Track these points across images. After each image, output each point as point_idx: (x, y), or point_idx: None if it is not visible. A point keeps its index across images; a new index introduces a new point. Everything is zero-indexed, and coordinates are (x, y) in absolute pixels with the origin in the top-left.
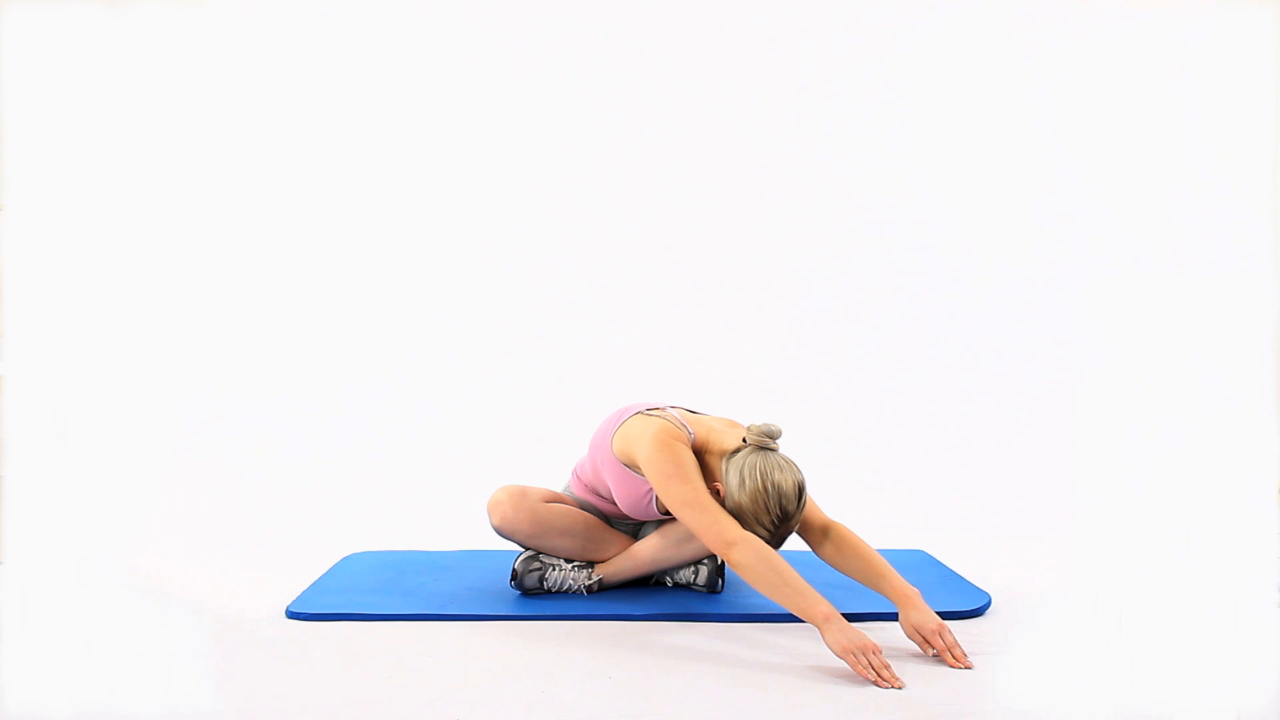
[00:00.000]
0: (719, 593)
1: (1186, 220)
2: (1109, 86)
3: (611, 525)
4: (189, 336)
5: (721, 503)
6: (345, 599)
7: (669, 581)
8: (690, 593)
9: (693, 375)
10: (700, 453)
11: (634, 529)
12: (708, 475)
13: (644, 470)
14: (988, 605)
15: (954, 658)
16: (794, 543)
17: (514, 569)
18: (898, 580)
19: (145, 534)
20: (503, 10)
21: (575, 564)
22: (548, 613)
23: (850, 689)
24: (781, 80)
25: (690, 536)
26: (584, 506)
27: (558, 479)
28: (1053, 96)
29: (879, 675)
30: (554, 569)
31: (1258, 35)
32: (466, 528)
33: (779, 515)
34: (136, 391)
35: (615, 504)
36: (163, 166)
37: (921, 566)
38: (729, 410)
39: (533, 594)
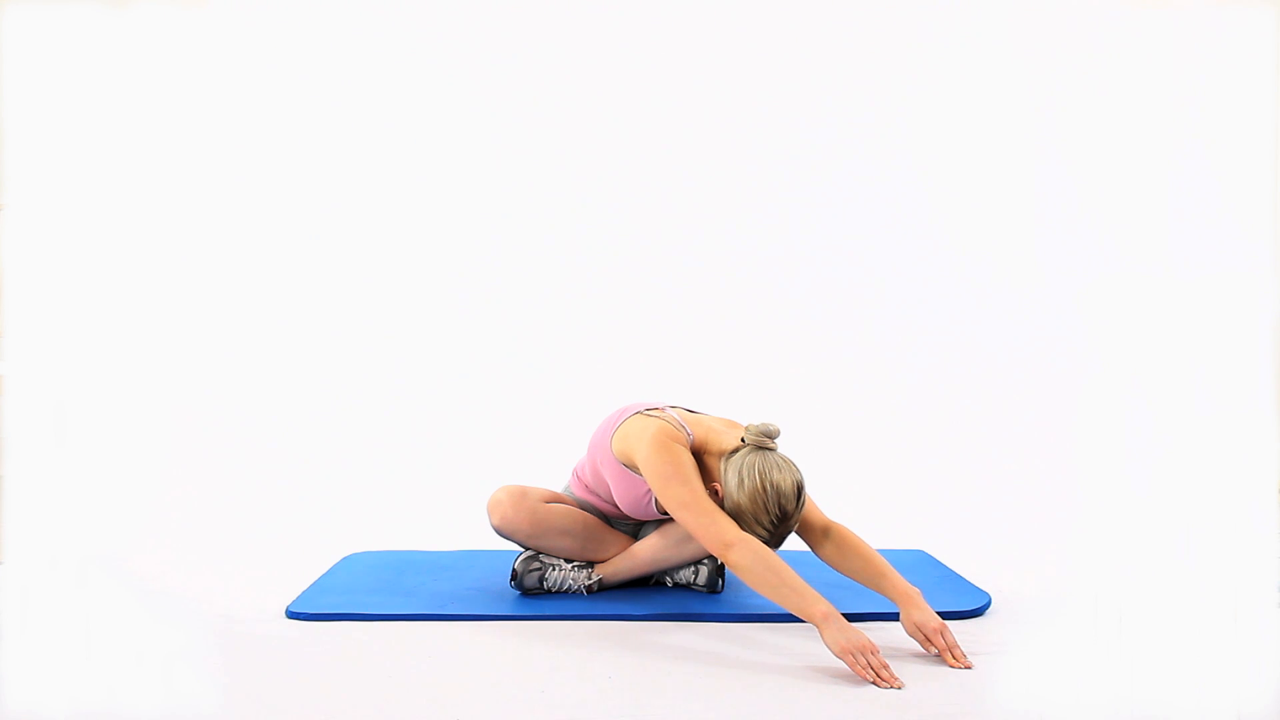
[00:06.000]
0: (719, 593)
1: (1186, 220)
2: (1108, 86)
3: (611, 525)
4: (189, 336)
5: (720, 503)
6: (345, 599)
7: (669, 581)
8: (690, 593)
9: (693, 375)
10: (699, 453)
11: (634, 529)
12: (707, 476)
13: (642, 471)
14: (988, 605)
15: (954, 658)
16: (794, 543)
17: (514, 569)
18: (899, 580)
19: (145, 534)
20: (504, 11)
21: (575, 564)
22: (548, 613)
23: (849, 689)
24: (781, 81)
25: (690, 536)
26: (584, 507)
27: (558, 479)
28: (1052, 96)
29: (877, 675)
30: (554, 569)
31: (1258, 35)
32: (466, 528)
33: (778, 515)
34: (136, 391)
35: (615, 504)
36: (163, 167)
37: (921, 566)
38: (728, 410)
39: (533, 594)
